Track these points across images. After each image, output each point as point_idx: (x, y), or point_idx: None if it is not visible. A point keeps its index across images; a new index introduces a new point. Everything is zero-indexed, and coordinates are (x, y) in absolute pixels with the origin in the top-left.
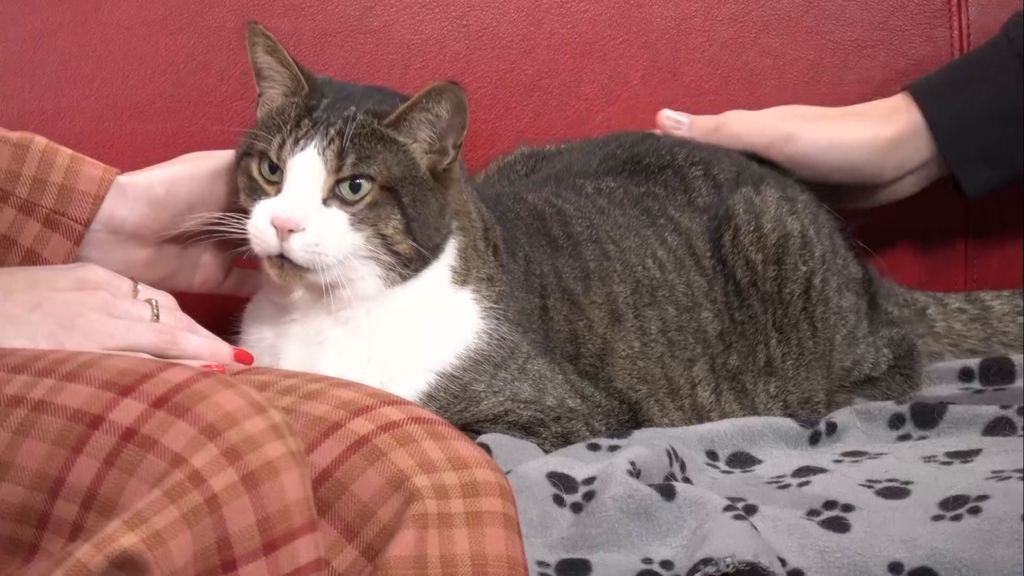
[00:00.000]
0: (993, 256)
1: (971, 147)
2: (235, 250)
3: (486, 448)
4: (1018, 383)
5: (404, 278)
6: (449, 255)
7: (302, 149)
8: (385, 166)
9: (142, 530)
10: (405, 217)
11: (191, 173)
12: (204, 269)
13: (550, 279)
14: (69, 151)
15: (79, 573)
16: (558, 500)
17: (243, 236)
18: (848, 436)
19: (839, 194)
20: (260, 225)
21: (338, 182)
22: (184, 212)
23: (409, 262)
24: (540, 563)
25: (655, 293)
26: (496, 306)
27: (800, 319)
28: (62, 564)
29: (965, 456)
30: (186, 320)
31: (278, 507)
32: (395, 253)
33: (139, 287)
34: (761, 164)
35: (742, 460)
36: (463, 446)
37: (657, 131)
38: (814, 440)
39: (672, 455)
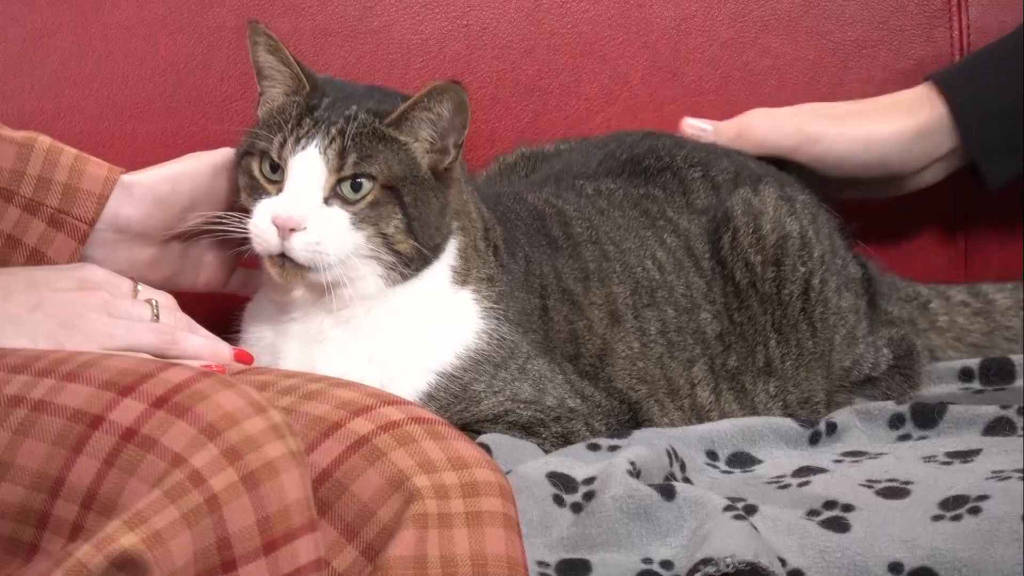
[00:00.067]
0: (993, 256)
1: (994, 138)
2: (237, 249)
3: (486, 448)
4: (1018, 383)
5: (405, 277)
6: (450, 255)
7: (303, 148)
8: (386, 165)
9: (142, 530)
10: (406, 216)
11: (194, 170)
12: (208, 268)
13: (550, 279)
14: (73, 150)
15: (79, 573)
16: (558, 500)
17: (244, 235)
18: (848, 436)
19: (861, 187)
20: (261, 224)
21: (339, 181)
22: (188, 210)
23: (410, 261)
24: (540, 563)
25: (654, 294)
26: (496, 306)
27: (799, 319)
28: (62, 564)
29: (965, 456)
30: (186, 320)
31: (278, 507)
32: (396, 252)
33: (139, 287)
34: (760, 162)
35: (742, 460)
36: (463, 446)
37: (656, 130)
38: (814, 440)
39: (672, 455)
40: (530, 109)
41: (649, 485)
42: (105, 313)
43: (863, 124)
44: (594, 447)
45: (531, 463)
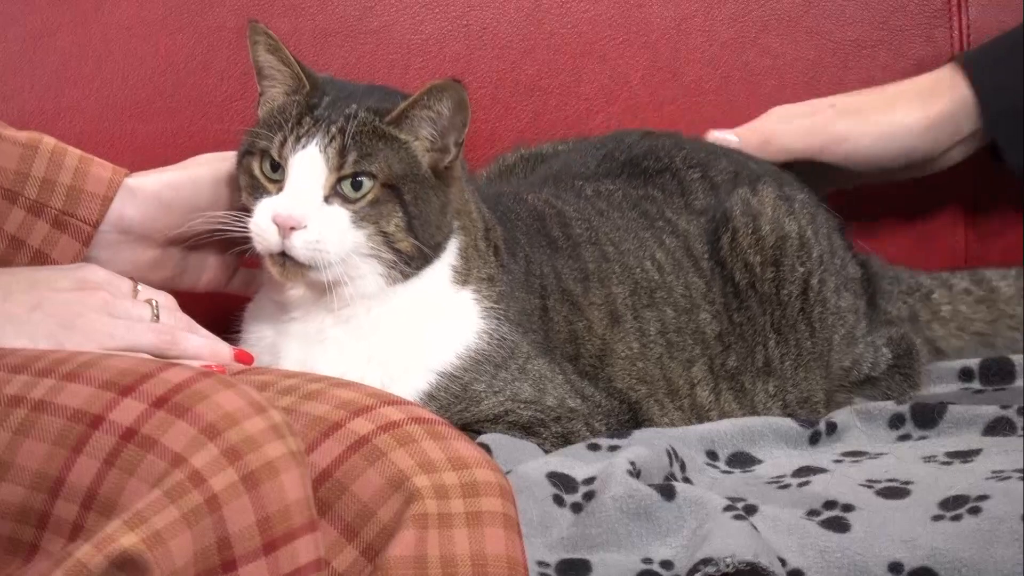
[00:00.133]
0: (993, 248)
1: (1018, 121)
2: (238, 248)
3: (486, 448)
4: (1018, 383)
5: (406, 276)
6: (450, 254)
7: (303, 147)
8: (387, 164)
9: (142, 530)
10: (407, 215)
11: (203, 178)
12: (210, 269)
13: (550, 280)
14: (78, 152)
15: (79, 573)
16: (558, 500)
17: (245, 235)
18: (848, 436)
19: (878, 175)
20: (262, 223)
21: (340, 180)
22: (191, 213)
23: (411, 260)
24: (540, 563)
25: (653, 295)
26: (497, 306)
27: (798, 320)
28: (62, 564)
29: (965, 456)
30: (186, 320)
31: (278, 507)
32: (397, 251)
33: (139, 287)
34: (759, 160)
35: (742, 460)
36: (463, 446)
37: (655, 130)
38: (814, 440)
39: (672, 455)
40: (530, 109)
41: (649, 485)
42: (105, 313)
43: (887, 115)
44: (594, 447)
45: (531, 463)
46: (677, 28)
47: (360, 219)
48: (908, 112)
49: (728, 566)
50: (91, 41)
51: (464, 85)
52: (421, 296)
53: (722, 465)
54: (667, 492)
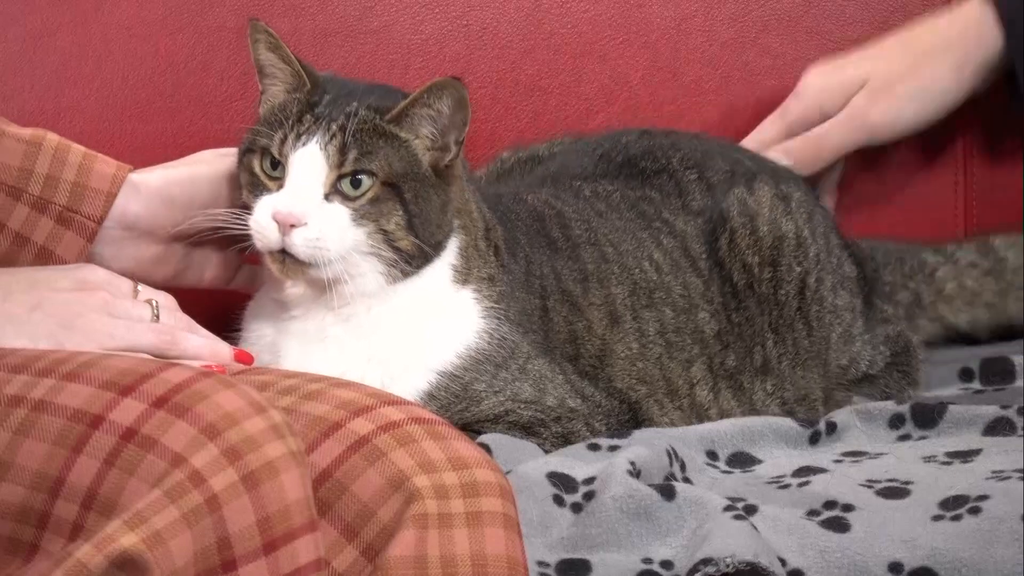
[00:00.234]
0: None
1: None
2: (238, 245)
3: (486, 448)
4: (1018, 383)
5: (406, 275)
6: (450, 253)
7: (304, 144)
8: (387, 162)
9: (142, 530)
10: (407, 213)
11: (205, 175)
12: (214, 266)
13: (550, 280)
14: (82, 148)
15: (79, 573)
16: (558, 500)
17: (245, 232)
18: (848, 436)
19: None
20: (262, 220)
21: (340, 177)
22: (196, 210)
23: (411, 259)
24: (540, 563)
25: (652, 295)
26: (497, 306)
27: (795, 319)
28: (62, 564)
29: (965, 456)
30: (186, 320)
31: (278, 507)
32: (397, 249)
33: (139, 287)
34: (755, 156)
35: (742, 460)
36: (463, 446)
37: (652, 128)
38: (814, 440)
39: (672, 455)
40: (530, 109)
41: (649, 485)
42: (105, 313)
43: (919, 82)
44: (594, 447)
45: (531, 463)
46: (677, 28)
47: (360, 217)
48: (941, 75)
49: (728, 566)
50: (91, 41)
51: (464, 83)
52: (421, 295)
53: (722, 465)
54: (667, 492)
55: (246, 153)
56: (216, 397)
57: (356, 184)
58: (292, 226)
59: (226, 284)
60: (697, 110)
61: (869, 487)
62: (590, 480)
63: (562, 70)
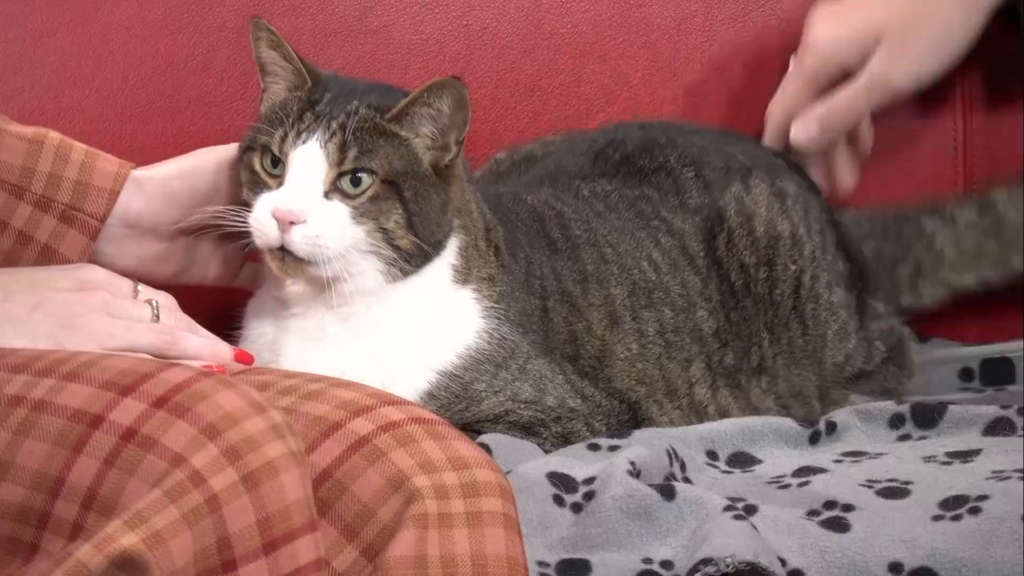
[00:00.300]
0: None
1: None
2: (239, 242)
3: (486, 448)
4: (1018, 383)
5: (405, 274)
6: (450, 253)
7: (304, 142)
8: (387, 160)
9: (142, 530)
10: (407, 212)
11: (205, 166)
12: (217, 263)
13: (550, 281)
14: (84, 146)
15: (79, 573)
16: (558, 500)
17: (245, 229)
18: (848, 436)
19: None
20: (261, 218)
21: (340, 175)
22: (198, 205)
23: (411, 257)
24: (540, 563)
25: (651, 295)
26: (497, 306)
27: (790, 318)
28: (62, 564)
29: (965, 456)
30: (186, 320)
31: (278, 507)
32: (396, 248)
33: (139, 287)
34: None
35: (742, 460)
36: (463, 446)
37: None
38: (814, 440)
39: (672, 455)
40: (530, 109)
41: (649, 485)
42: (105, 313)
43: (933, 32)
44: (594, 447)
45: (531, 463)
46: (677, 28)
47: (360, 215)
48: (951, 18)
49: (728, 566)
50: (91, 41)
51: (464, 82)
52: (421, 294)
53: (722, 465)
54: (667, 492)
55: (247, 151)
56: (216, 397)
57: (356, 182)
58: (291, 223)
59: (229, 282)
60: (697, 110)
61: (869, 487)
62: (590, 480)
63: (562, 70)
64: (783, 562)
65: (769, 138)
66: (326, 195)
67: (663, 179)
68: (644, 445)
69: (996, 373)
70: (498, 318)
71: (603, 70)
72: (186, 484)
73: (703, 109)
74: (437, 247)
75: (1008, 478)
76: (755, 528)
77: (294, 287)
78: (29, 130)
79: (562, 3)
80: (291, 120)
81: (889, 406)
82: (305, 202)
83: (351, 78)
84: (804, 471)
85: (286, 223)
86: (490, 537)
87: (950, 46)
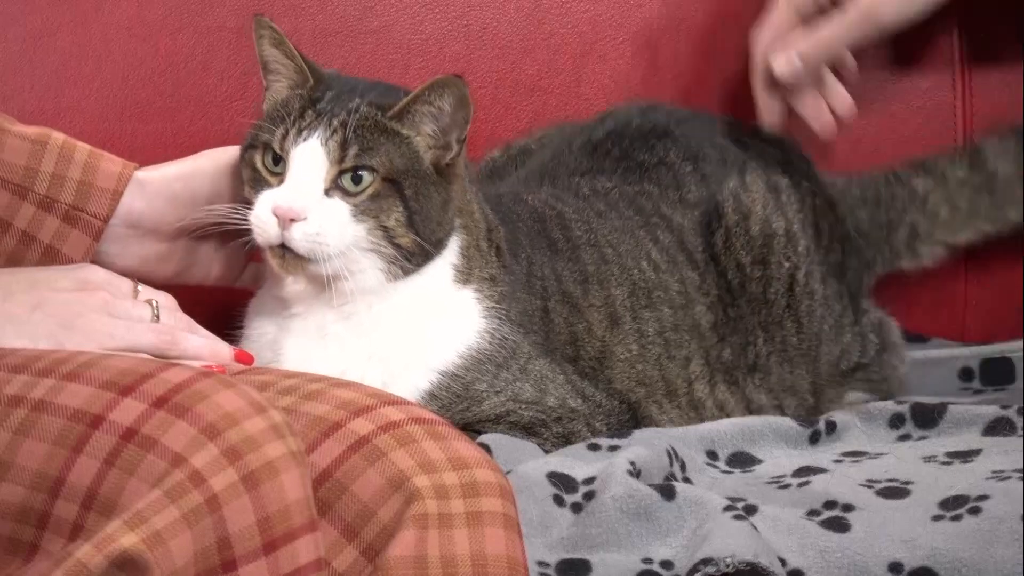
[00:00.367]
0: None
1: None
2: (240, 240)
3: (486, 448)
4: (1018, 383)
5: (406, 272)
6: (452, 252)
7: (305, 140)
8: (387, 158)
9: (142, 530)
10: (407, 210)
11: (207, 168)
12: (219, 263)
13: (551, 282)
14: (87, 146)
15: (79, 573)
16: (558, 500)
17: (246, 226)
18: (848, 436)
19: None
20: (262, 215)
21: (340, 173)
22: (200, 207)
23: (411, 256)
24: (540, 563)
25: (651, 295)
26: (498, 306)
27: (784, 317)
28: (62, 564)
29: (965, 456)
30: (186, 320)
31: (278, 507)
32: (397, 246)
33: (139, 287)
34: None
35: (742, 460)
36: (463, 446)
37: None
38: (814, 440)
39: (672, 455)
40: (530, 109)
41: (649, 485)
42: (105, 313)
43: None
44: (594, 447)
45: (531, 463)
46: (677, 28)
47: (360, 213)
48: None
49: (728, 566)
50: (91, 41)
51: (466, 81)
52: (422, 294)
53: (722, 465)
54: (667, 492)
55: (248, 149)
56: (216, 397)
57: (357, 180)
58: (292, 220)
59: (231, 283)
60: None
61: (869, 487)
62: (590, 480)
63: (562, 70)
64: (783, 562)
65: (753, 65)
66: (327, 192)
67: (663, 173)
68: (644, 445)
69: (996, 373)
70: (499, 318)
71: (603, 70)
72: (186, 484)
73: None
74: (438, 246)
75: (1008, 478)
76: (755, 528)
77: (295, 286)
78: (32, 130)
79: (562, 3)
80: (292, 118)
81: (889, 406)
82: (306, 199)
83: (353, 77)
84: (804, 471)
85: (287, 220)
86: (490, 537)
87: None
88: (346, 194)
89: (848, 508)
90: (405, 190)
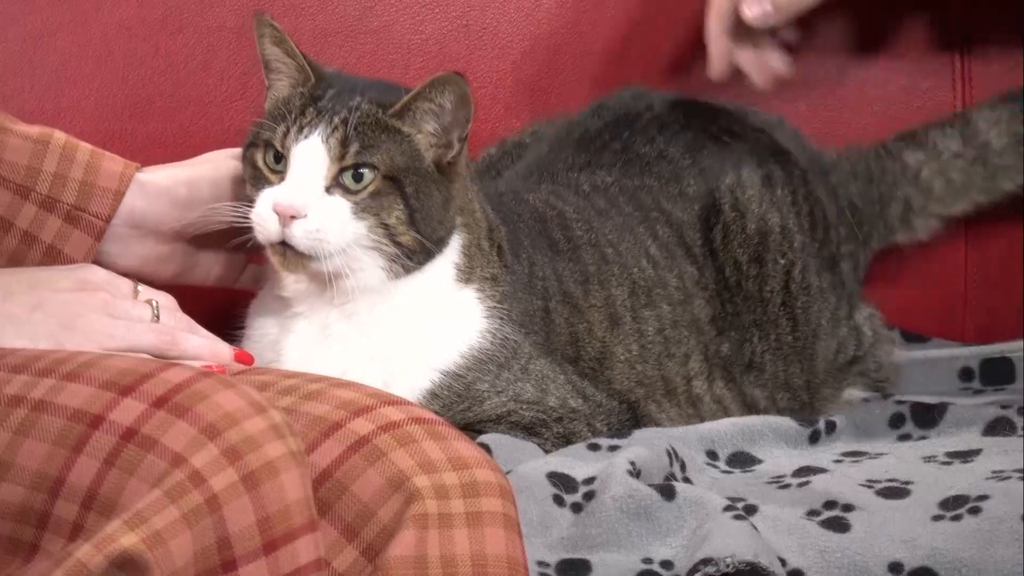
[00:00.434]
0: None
1: None
2: (240, 238)
3: (486, 448)
4: (1018, 383)
5: (407, 270)
6: (453, 252)
7: (306, 137)
8: (388, 155)
9: (142, 530)
10: (408, 208)
11: (212, 175)
12: (220, 265)
13: (552, 282)
14: (89, 146)
15: (79, 573)
16: (558, 500)
17: (247, 224)
18: (848, 436)
19: None
20: (263, 212)
21: (341, 170)
22: (203, 207)
23: (412, 254)
24: (540, 563)
25: (651, 293)
26: (500, 306)
27: (780, 315)
28: (62, 564)
29: (965, 456)
30: (186, 321)
31: (278, 507)
32: (398, 244)
33: (139, 288)
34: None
35: (742, 460)
36: (463, 446)
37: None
38: (814, 439)
39: (672, 455)
40: (530, 109)
41: (649, 485)
42: (105, 314)
43: None
44: (594, 447)
45: (531, 463)
46: (677, 28)
47: (361, 210)
48: None
49: (728, 566)
50: (91, 41)
51: (467, 79)
52: (424, 293)
53: (722, 465)
54: (667, 492)
55: (249, 147)
56: (216, 397)
57: (358, 177)
58: (292, 218)
59: (231, 284)
60: None
61: (869, 487)
62: (590, 480)
63: (562, 70)
64: (783, 562)
65: (715, 9)
66: (327, 190)
67: (664, 167)
68: (644, 445)
69: (996, 373)
70: (501, 318)
71: (603, 70)
72: (186, 484)
73: None
74: (439, 244)
75: (1008, 478)
76: (755, 528)
77: (297, 284)
78: (35, 130)
79: (562, 3)
80: (293, 115)
81: (889, 406)
82: (306, 196)
83: (355, 75)
84: (804, 471)
85: (287, 217)
86: (490, 537)
87: None
88: (347, 191)
89: (848, 508)
90: (406, 188)
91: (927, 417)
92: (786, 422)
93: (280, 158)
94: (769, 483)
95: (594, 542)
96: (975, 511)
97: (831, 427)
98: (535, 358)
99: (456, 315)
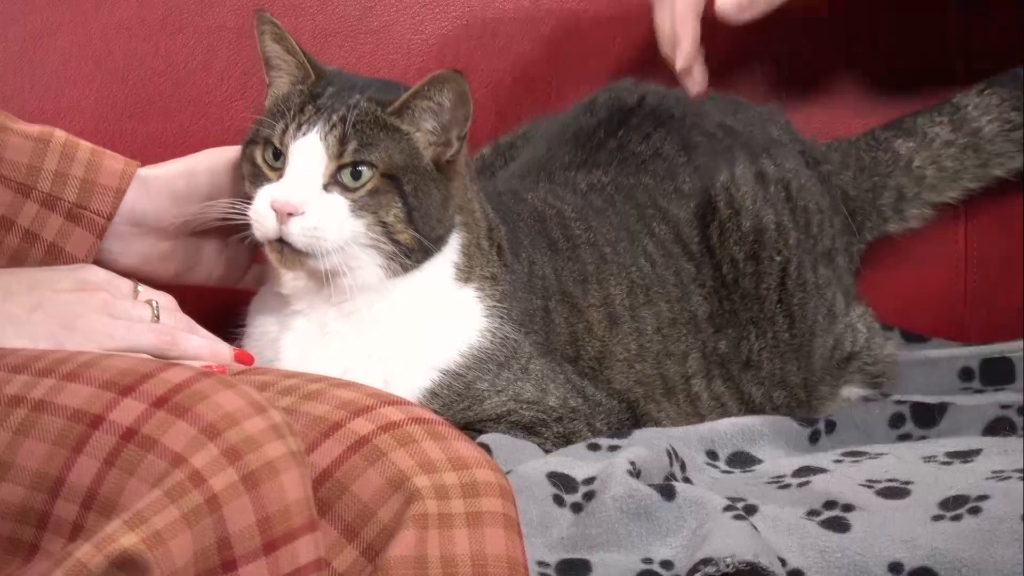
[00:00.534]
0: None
1: None
2: (240, 235)
3: (486, 448)
4: (1018, 383)
5: (406, 269)
6: (452, 250)
7: (304, 134)
8: (387, 153)
9: (142, 530)
10: (407, 206)
11: (211, 167)
12: (222, 264)
13: (551, 281)
14: (89, 144)
15: (79, 573)
16: (558, 500)
17: (245, 221)
18: (848, 436)
19: None
20: (261, 209)
21: (339, 168)
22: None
23: (411, 252)
24: (540, 563)
25: (649, 291)
26: (500, 305)
27: (776, 312)
28: (62, 564)
29: (965, 456)
30: (186, 321)
31: (278, 507)
32: (396, 242)
33: (139, 288)
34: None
35: (742, 460)
36: (463, 446)
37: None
38: (814, 439)
39: (672, 455)
40: (530, 109)
41: (649, 485)
42: (105, 314)
43: None
44: (594, 447)
45: (531, 463)
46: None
47: (359, 208)
48: None
49: (728, 566)
50: (91, 41)
51: (466, 77)
52: (423, 291)
53: (722, 465)
54: (667, 492)
55: (249, 144)
56: (216, 397)
57: (356, 175)
58: (290, 215)
59: (234, 283)
60: None
61: (869, 487)
62: (590, 480)
63: (562, 70)
64: (783, 562)
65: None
66: (325, 187)
67: (659, 165)
68: (644, 445)
69: (996, 373)
70: (501, 317)
71: (603, 70)
72: (186, 484)
73: None
74: (438, 242)
75: (1008, 478)
76: (755, 528)
77: (295, 282)
78: (35, 128)
79: (562, 3)
80: (292, 113)
81: (889, 405)
82: (304, 194)
83: (355, 74)
84: (804, 471)
85: (284, 214)
86: (490, 537)
87: None
88: (345, 189)
89: (848, 508)
90: (404, 186)
91: (927, 417)
92: (786, 422)
93: (279, 155)
94: (769, 483)
95: (594, 542)
96: (975, 511)
97: (831, 427)
98: (535, 357)
99: (456, 314)
